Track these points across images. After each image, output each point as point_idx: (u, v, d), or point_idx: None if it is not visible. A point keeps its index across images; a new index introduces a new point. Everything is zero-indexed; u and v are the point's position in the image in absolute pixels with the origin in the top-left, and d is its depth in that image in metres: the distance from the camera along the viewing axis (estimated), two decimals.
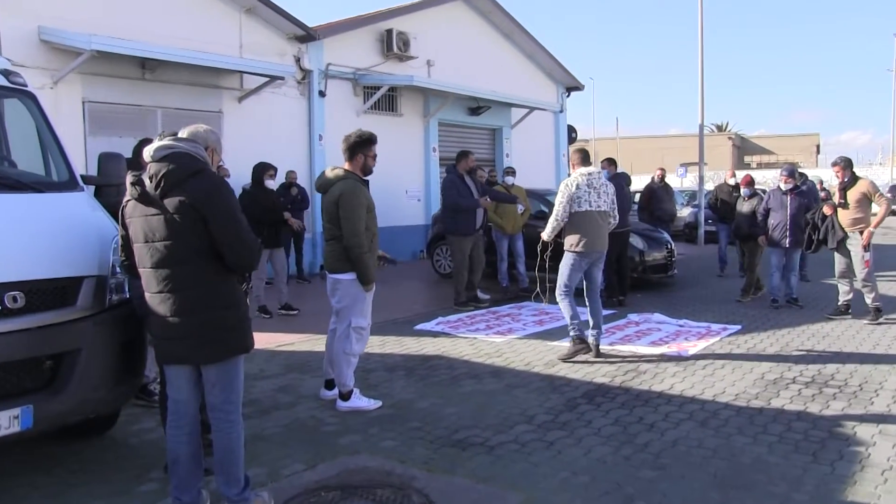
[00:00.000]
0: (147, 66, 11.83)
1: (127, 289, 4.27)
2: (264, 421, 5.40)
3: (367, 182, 5.78)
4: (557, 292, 7.35)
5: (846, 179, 8.94)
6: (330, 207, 5.58)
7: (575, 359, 7.15)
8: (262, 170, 9.66)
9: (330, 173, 5.71)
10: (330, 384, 5.98)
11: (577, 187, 7.18)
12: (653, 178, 14.83)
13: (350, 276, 5.60)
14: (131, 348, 4.28)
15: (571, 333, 7.31)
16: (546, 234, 7.46)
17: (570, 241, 7.26)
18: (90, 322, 4.10)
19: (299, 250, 13.31)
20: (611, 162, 10.70)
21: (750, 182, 11.47)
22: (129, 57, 11.33)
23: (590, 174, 7.29)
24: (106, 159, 5.27)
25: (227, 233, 3.49)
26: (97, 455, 4.76)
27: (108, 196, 5.04)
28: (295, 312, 9.91)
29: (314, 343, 8.06)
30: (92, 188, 5.30)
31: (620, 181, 10.43)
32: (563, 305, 7.35)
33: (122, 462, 4.65)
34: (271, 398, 6.01)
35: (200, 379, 3.68)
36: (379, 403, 5.77)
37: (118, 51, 10.88)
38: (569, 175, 7.64)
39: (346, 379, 5.73)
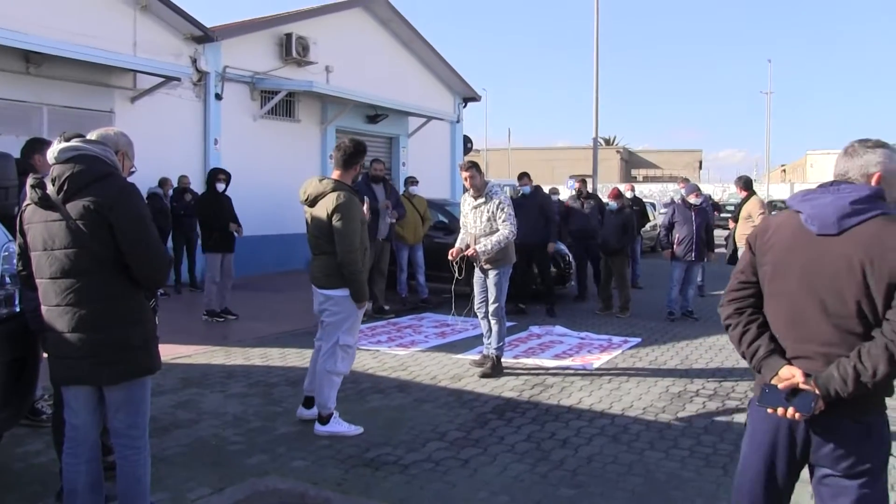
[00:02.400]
0: (31, 60, 11.10)
1: (17, 301, 3.93)
2: (165, 441, 5.08)
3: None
4: (500, 313, 7.16)
5: (743, 197, 9.68)
6: (320, 221, 5.24)
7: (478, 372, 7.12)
8: (214, 174, 9.73)
9: (319, 184, 5.36)
10: (309, 402, 5.62)
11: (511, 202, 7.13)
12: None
13: (343, 293, 5.27)
14: (20, 367, 3.91)
15: (497, 353, 7.16)
16: (488, 249, 6.99)
17: (510, 255, 7.16)
18: None
19: (193, 258, 12.81)
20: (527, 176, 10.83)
21: (617, 195, 11.27)
22: (11, 49, 10.58)
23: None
24: None
25: (135, 242, 3.23)
26: None
27: None
28: (234, 317, 9.89)
29: (211, 355, 7.74)
30: None
31: (543, 193, 10.92)
32: (504, 328, 7.22)
33: (6, 491, 4.25)
34: (170, 415, 5.68)
35: (101, 401, 3.39)
36: (360, 430, 5.37)
37: None
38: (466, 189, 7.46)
39: (328, 400, 5.34)
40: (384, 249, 10.46)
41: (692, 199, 10.12)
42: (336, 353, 5.35)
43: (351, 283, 5.23)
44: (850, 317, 2.43)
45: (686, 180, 12.78)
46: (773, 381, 2.53)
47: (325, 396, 5.34)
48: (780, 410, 2.49)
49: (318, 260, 5.38)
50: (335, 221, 5.14)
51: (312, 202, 5.34)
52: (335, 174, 5.44)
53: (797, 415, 2.45)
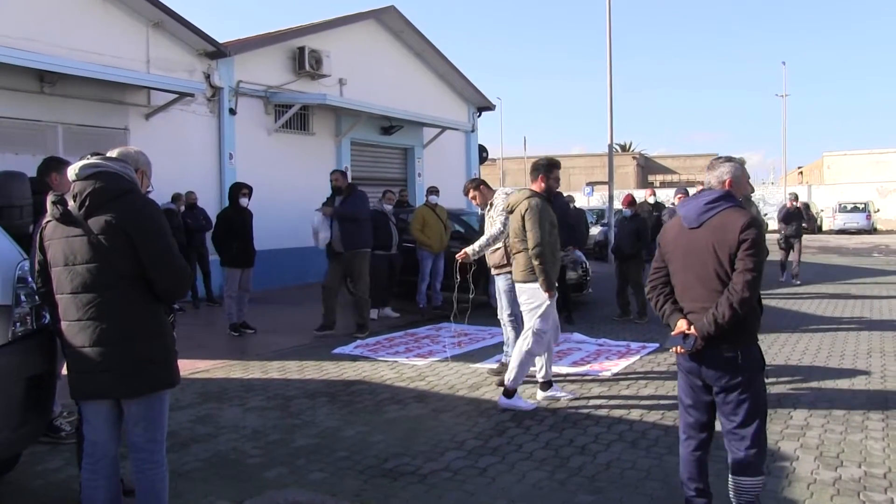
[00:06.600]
0: (46, 80, 11.23)
1: (33, 321, 3.95)
2: (183, 455, 5.09)
3: (550, 202, 6.38)
4: (515, 322, 7.01)
5: None
6: (515, 223, 6.21)
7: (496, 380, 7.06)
8: (238, 188, 9.73)
9: (518, 193, 6.38)
10: (546, 385, 6.42)
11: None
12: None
13: (534, 285, 6.13)
14: (38, 384, 3.92)
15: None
16: (475, 249, 7.06)
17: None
18: None
19: (207, 273, 12.87)
20: None
21: (631, 202, 11.20)
22: (26, 69, 10.72)
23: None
24: (6, 179, 4.88)
25: (156, 256, 3.27)
26: None
27: (11, 218, 4.68)
28: (252, 331, 9.94)
29: (229, 370, 7.76)
30: None
31: (563, 201, 10.88)
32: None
33: None
34: (189, 430, 5.69)
35: (121, 417, 3.41)
36: (535, 405, 6.20)
37: (12, 62, 10.28)
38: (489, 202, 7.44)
39: (520, 378, 6.17)
40: (352, 259, 9.72)
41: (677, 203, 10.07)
42: (531, 337, 6.15)
43: (539, 274, 6.05)
44: (712, 282, 3.55)
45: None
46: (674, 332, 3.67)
47: (519, 374, 6.15)
48: (677, 349, 3.64)
49: (515, 259, 6.32)
50: (526, 220, 6.08)
51: (512, 209, 6.30)
52: (531, 185, 6.40)
53: (684, 351, 3.60)
